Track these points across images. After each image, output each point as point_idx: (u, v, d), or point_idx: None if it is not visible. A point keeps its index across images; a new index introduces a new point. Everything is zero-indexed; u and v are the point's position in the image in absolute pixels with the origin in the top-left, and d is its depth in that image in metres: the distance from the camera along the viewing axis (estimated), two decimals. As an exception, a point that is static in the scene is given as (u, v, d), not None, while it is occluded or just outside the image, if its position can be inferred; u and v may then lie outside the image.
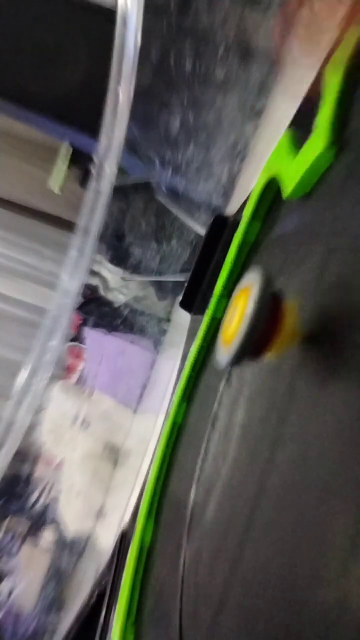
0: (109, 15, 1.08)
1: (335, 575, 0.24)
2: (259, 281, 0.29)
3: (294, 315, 0.31)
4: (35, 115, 1.28)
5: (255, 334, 0.29)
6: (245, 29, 1.05)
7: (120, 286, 1.61)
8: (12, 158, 2.05)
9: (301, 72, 0.92)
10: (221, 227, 0.57)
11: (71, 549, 1.66)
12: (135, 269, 1.54)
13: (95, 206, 1.12)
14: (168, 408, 0.59)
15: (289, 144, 0.41)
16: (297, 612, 0.26)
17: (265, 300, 0.29)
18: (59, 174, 1.78)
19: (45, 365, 1.31)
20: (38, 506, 1.70)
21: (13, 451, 1.29)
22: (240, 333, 0.29)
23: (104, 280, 1.60)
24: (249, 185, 0.51)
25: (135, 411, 1.67)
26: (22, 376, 1.34)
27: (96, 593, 0.61)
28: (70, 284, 1.23)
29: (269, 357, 0.31)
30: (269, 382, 0.38)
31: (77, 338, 1.71)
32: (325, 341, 0.31)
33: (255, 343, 0.29)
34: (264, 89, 1.08)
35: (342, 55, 0.36)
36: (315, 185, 0.38)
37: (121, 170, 1.20)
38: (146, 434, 1.35)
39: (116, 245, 1.52)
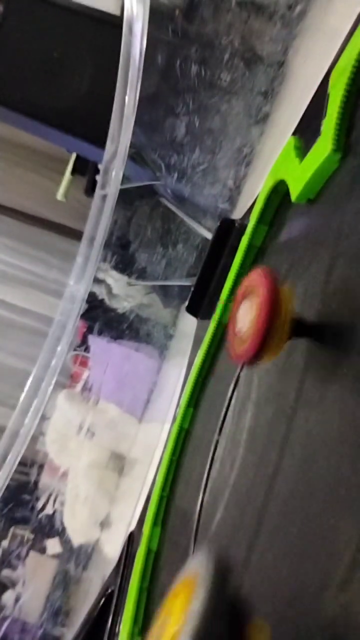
0: (114, 24, 1.09)
1: (340, 581, 0.23)
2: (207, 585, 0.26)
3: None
4: (41, 126, 1.29)
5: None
6: (250, 35, 1.06)
7: (125, 293, 1.61)
8: (18, 168, 2.07)
9: (306, 77, 0.92)
10: (228, 231, 0.57)
11: (77, 558, 1.65)
12: (141, 275, 1.54)
13: (101, 213, 1.13)
14: (174, 415, 0.59)
15: (295, 148, 0.41)
16: (304, 616, 0.26)
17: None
18: (64, 183, 1.79)
19: (50, 374, 1.31)
20: (43, 515, 1.70)
21: (18, 460, 1.29)
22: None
23: (108, 287, 1.61)
24: (255, 190, 0.51)
25: (140, 420, 1.67)
26: (28, 385, 1.34)
27: (102, 601, 0.60)
28: (76, 290, 1.23)
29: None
30: (277, 388, 0.38)
31: (82, 346, 1.71)
32: (332, 346, 0.31)
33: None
34: (269, 94, 1.08)
35: (348, 61, 0.36)
36: (321, 189, 0.38)
37: (126, 178, 1.20)
38: (152, 443, 1.35)
39: (122, 252, 1.52)
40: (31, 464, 1.72)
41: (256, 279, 0.33)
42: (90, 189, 1.57)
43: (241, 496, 0.38)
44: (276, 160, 0.45)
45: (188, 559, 0.28)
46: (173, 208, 1.39)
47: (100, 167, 1.20)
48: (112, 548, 1.48)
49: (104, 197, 1.13)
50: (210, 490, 0.45)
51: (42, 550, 1.72)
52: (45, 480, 1.73)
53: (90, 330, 1.68)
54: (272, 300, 0.31)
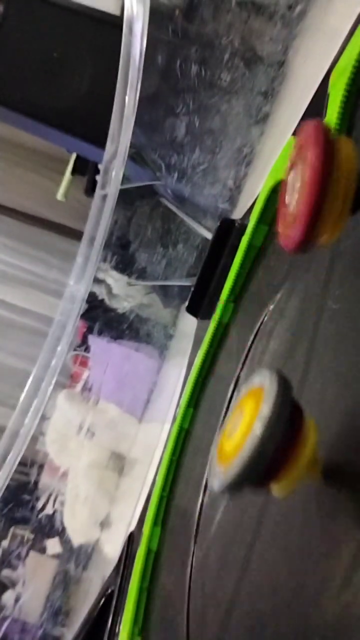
0: (114, 24, 1.09)
1: (339, 585, 0.23)
2: (275, 388, 0.22)
3: (315, 436, 0.23)
4: (41, 126, 1.29)
5: (264, 460, 0.22)
6: (250, 35, 1.06)
7: (125, 293, 1.61)
8: (18, 168, 2.07)
9: (306, 77, 0.92)
10: (228, 231, 0.57)
11: (77, 558, 1.65)
12: (141, 275, 1.54)
13: (101, 213, 1.13)
14: (174, 416, 0.59)
15: (295, 148, 0.41)
16: (303, 619, 0.26)
17: (281, 418, 0.21)
18: (64, 183, 1.79)
19: (50, 374, 1.31)
20: (43, 515, 1.70)
21: (18, 460, 1.29)
22: (244, 454, 0.22)
23: (108, 287, 1.61)
24: (256, 190, 0.51)
25: (140, 420, 1.67)
26: (28, 385, 1.34)
27: (102, 601, 0.60)
28: (76, 290, 1.23)
29: (277, 490, 0.24)
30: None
31: (82, 346, 1.71)
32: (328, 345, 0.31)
33: (262, 470, 0.22)
34: (269, 94, 1.08)
35: (348, 61, 0.36)
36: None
37: (126, 178, 1.20)
38: (152, 443, 1.35)
39: (122, 252, 1.52)
40: (31, 464, 1.72)
41: (308, 135, 0.25)
42: (90, 189, 1.58)
43: (242, 495, 0.38)
44: (276, 160, 0.45)
45: (253, 375, 0.25)
46: (173, 208, 1.39)
47: (100, 167, 1.20)
48: (112, 548, 1.48)
49: (104, 197, 1.13)
50: (210, 490, 0.45)
51: (42, 550, 1.72)
52: (45, 480, 1.73)
53: (90, 330, 1.68)
54: (323, 163, 0.24)
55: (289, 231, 0.26)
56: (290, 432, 0.22)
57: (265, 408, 0.22)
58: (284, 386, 0.23)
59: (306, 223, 0.24)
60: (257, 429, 0.22)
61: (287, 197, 0.27)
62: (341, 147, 0.25)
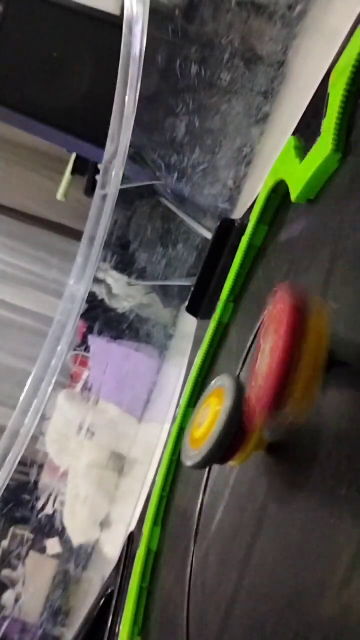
0: (114, 24, 1.09)
1: (339, 585, 0.23)
2: (232, 392, 0.30)
3: (262, 421, 0.30)
4: (42, 126, 1.29)
5: (225, 445, 0.29)
6: (250, 35, 1.06)
7: (125, 293, 1.61)
8: (18, 168, 2.07)
9: (306, 77, 0.92)
10: (228, 231, 0.57)
11: (77, 558, 1.65)
12: (141, 275, 1.54)
13: (101, 213, 1.13)
14: (174, 416, 0.59)
15: (295, 149, 0.41)
16: (303, 619, 0.26)
17: (237, 415, 0.29)
18: (64, 183, 1.79)
19: (50, 374, 1.31)
20: (43, 515, 1.70)
21: (18, 460, 1.29)
22: (211, 441, 0.29)
23: (108, 287, 1.61)
24: (256, 190, 0.51)
25: (140, 420, 1.67)
26: (28, 385, 1.34)
27: (102, 601, 0.60)
28: (76, 290, 1.23)
29: (233, 463, 0.31)
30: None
31: (82, 346, 1.71)
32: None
33: (224, 452, 0.30)
34: (269, 94, 1.08)
35: (348, 61, 0.36)
36: (322, 190, 0.38)
37: (126, 178, 1.20)
38: (152, 443, 1.35)
39: (122, 252, 1.52)
40: (31, 464, 1.72)
41: (280, 304, 0.27)
42: (90, 189, 1.58)
43: (241, 496, 0.38)
44: (276, 161, 0.45)
45: (215, 379, 0.32)
46: (173, 208, 1.39)
47: (100, 167, 1.20)
48: (112, 548, 1.48)
49: (104, 197, 1.13)
50: (210, 491, 0.45)
51: (42, 550, 1.72)
52: (45, 480, 1.73)
53: (90, 330, 1.68)
54: (294, 334, 0.25)
55: (259, 393, 0.27)
56: (242, 428, 0.29)
57: (228, 402, 0.29)
58: (240, 386, 0.29)
59: (273, 395, 0.26)
60: (221, 422, 0.29)
61: (259, 358, 0.28)
62: (313, 325, 0.26)
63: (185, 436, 0.33)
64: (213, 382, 0.32)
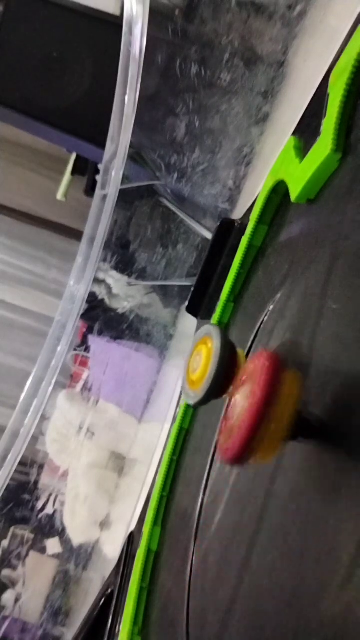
0: (114, 24, 1.09)
1: (340, 584, 0.23)
2: (218, 334, 0.34)
3: (244, 360, 0.33)
4: (41, 126, 1.29)
5: (220, 381, 0.32)
6: (250, 35, 1.06)
7: (125, 293, 1.61)
8: (18, 168, 2.07)
9: (306, 77, 0.92)
10: (228, 231, 0.57)
11: (77, 558, 1.65)
12: (141, 275, 1.54)
13: (101, 213, 1.13)
14: (174, 416, 0.59)
15: (295, 149, 0.41)
16: (304, 619, 0.26)
17: (227, 356, 0.33)
18: (64, 182, 1.79)
19: (50, 374, 1.31)
20: (43, 515, 1.70)
21: (18, 460, 1.29)
22: (208, 380, 0.33)
23: (108, 287, 1.61)
24: (256, 190, 0.51)
25: (140, 420, 1.67)
26: (28, 385, 1.34)
27: (102, 601, 0.60)
28: (76, 290, 1.23)
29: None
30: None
31: (82, 346, 1.71)
32: (329, 344, 0.31)
33: (221, 384, 0.33)
34: (269, 94, 1.08)
35: (348, 61, 0.36)
36: (321, 190, 0.38)
37: (126, 178, 1.20)
38: (152, 443, 1.35)
39: (122, 252, 1.52)
40: (31, 464, 1.72)
41: (257, 365, 0.30)
42: (90, 189, 1.58)
43: (242, 496, 0.38)
44: (276, 161, 0.45)
45: (198, 332, 0.36)
46: (173, 208, 1.39)
47: (100, 167, 1.20)
48: (112, 548, 1.48)
49: (104, 197, 1.13)
50: (210, 490, 0.45)
51: (42, 550, 1.72)
52: (45, 480, 1.73)
53: (90, 330, 1.68)
54: (269, 395, 0.27)
55: (227, 443, 0.29)
56: (231, 360, 0.33)
57: (217, 342, 0.33)
58: (222, 331, 0.34)
59: (241, 447, 0.28)
60: (214, 362, 0.33)
61: (230, 410, 0.31)
62: (286, 389, 0.28)
63: (183, 382, 0.36)
64: (196, 335, 0.36)
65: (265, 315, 0.43)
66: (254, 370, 0.30)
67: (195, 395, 0.35)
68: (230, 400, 0.32)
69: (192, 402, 0.35)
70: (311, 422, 0.29)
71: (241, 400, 0.30)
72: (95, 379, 1.72)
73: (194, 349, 0.36)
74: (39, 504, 1.69)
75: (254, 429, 0.27)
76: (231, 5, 1.07)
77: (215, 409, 0.49)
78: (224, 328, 0.53)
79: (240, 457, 0.28)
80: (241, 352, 0.34)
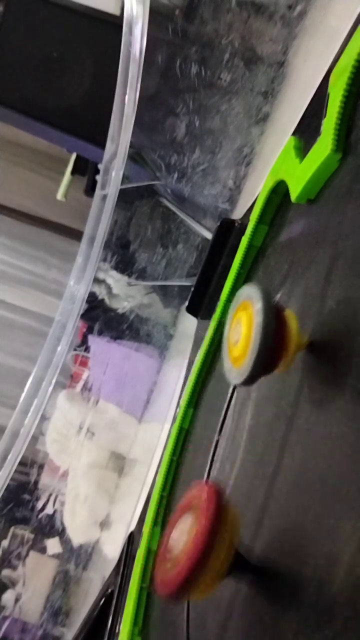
0: (114, 25, 1.09)
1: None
2: (260, 296, 0.29)
3: (296, 325, 0.30)
4: (41, 126, 1.29)
5: (267, 351, 0.28)
6: (250, 35, 1.06)
7: (125, 293, 1.61)
8: (18, 168, 2.07)
9: (306, 77, 0.92)
10: (228, 231, 0.57)
11: (77, 558, 1.65)
12: (141, 275, 1.54)
13: (101, 213, 1.13)
14: (174, 416, 0.59)
15: (295, 149, 0.41)
16: (303, 620, 0.26)
17: (271, 316, 0.28)
18: (64, 182, 1.79)
19: (50, 374, 1.31)
20: (43, 515, 1.70)
21: (18, 460, 1.29)
22: (252, 352, 0.28)
23: (108, 287, 1.61)
24: (256, 190, 0.51)
25: (140, 420, 1.67)
26: (28, 385, 1.34)
27: (102, 601, 0.60)
28: (76, 290, 1.23)
29: (279, 370, 0.30)
30: (277, 388, 0.38)
31: (82, 346, 1.71)
32: (330, 347, 0.31)
33: (267, 360, 0.29)
34: (269, 94, 1.08)
35: (348, 61, 0.36)
36: (322, 190, 0.38)
37: (126, 178, 1.20)
38: (152, 443, 1.35)
39: (122, 252, 1.52)
40: (31, 464, 1.72)
41: (200, 497, 0.29)
42: (90, 189, 1.58)
43: (241, 496, 0.38)
44: (276, 161, 0.45)
45: (239, 293, 0.32)
46: (173, 208, 1.39)
47: (100, 167, 1.20)
48: (112, 548, 1.48)
49: (104, 197, 1.13)
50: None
51: (42, 550, 1.72)
52: (45, 480, 1.73)
53: (90, 330, 1.68)
54: (213, 528, 0.27)
55: (166, 576, 0.28)
56: (280, 325, 0.29)
57: (259, 311, 0.28)
58: (267, 294, 0.29)
59: (185, 578, 0.27)
60: (257, 327, 0.28)
61: (171, 535, 0.29)
62: (228, 522, 0.27)
63: (224, 359, 0.32)
64: (237, 295, 0.32)
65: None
66: (197, 501, 0.28)
67: (240, 372, 0.30)
68: (169, 532, 0.30)
69: (236, 381, 0.30)
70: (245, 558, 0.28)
71: (184, 530, 0.28)
72: (95, 379, 1.72)
73: (233, 317, 0.32)
74: (39, 504, 1.69)
75: (200, 559, 0.26)
76: (231, 5, 1.07)
77: (215, 408, 0.49)
78: (223, 327, 0.53)
79: (183, 589, 0.27)
80: (290, 314, 0.30)
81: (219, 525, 0.27)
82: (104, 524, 1.60)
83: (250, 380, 0.29)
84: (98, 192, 1.17)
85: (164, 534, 0.31)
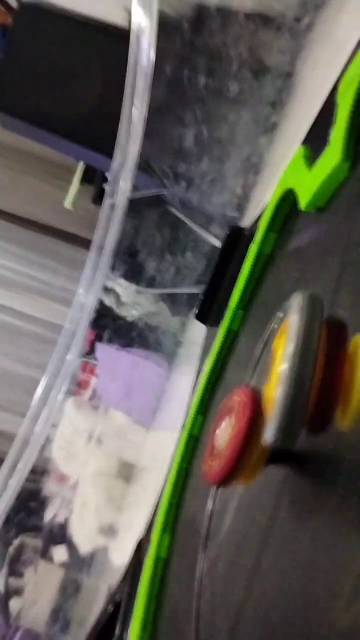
0: (122, 36, 1.10)
1: (349, 595, 0.23)
2: (302, 305, 0.21)
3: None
4: (50, 136, 1.30)
5: (304, 393, 0.20)
6: (258, 47, 1.06)
7: (133, 301, 1.62)
8: (27, 177, 2.08)
9: (315, 88, 0.93)
10: (237, 239, 0.57)
11: (84, 566, 1.64)
12: (150, 283, 1.54)
13: (110, 222, 1.14)
14: (184, 424, 0.59)
15: (304, 158, 0.41)
16: (313, 628, 0.26)
17: (309, 350, 0.19)
18: (73, 192, 1.80)
19: (60, 382, 1.32)
20: (51, 523, 1.69)
21: (29, 468, 1.29)
22: (284, 395, 0.20)
23: (117, 295, 1.61)
24: (265, 198, 0.52)
25: (149, 428, 1.66)
26: (38, 393, 1.35)
27: (111, 607, 0.60)
28: (85, 299, 1.24)
29: (340, 426, 0.23)
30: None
31: (90, 354, 1.71)
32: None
33: (303, 409, 0.21)
34: (278, 104, 1.09)
35: (356, 71, 0.36)
36: (331, 198, 0.39)
37: (135, 187, 1.21)
38: (161, 451, 1.34)
39: (130, 260, 1.53)
40: (40, 472, 1.72)
41: (241, 399, 0.30)
42: (98, 198, 1.58)
43: (251, 503, 0.38)
44: (285, 170, 0.46)
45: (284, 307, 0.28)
46: (182, 217, 1.40)
47: (109, 175, 1.21)
48: (120, 556, 1.47)
49: (113, 206, 1.14)
50: (219, 498, 0.45)
51: (50, 559, 1.72)
52: (53, 488, 1.73)
53: (99, 338, 1.69)
54: (250, 426, 0.29)
55: (213, 464, 0.31)
56: (336, 355, 0.20)
57: (290, 346, 0.20)
58: (311, 312, 0.20)
59: (228, 469, 0.30)
60: (289, 357, 0.20)
61: (218, 433, 0.32)
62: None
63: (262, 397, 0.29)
64: (283, 310, 0.26)
65: (275, 323, 0.43)
66: (238, 403, 0.31)
67: (270, 425, 0.23)
68: (213, 433, 0.33)
69: (270, 437, 0.23)
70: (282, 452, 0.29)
71: (227, 430, 0.31)
72: (104, 387, 1.72)
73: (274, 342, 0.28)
74: (47, 512, 1.69)
75: (239, 454, 0.29)
76: (239, 18, 1.08)
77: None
78: (233, 338, 0.53)
79: (226, 479, 0.30)
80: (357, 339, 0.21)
81: (257, 422, 0.28)
82: (112, 532, 1.60)
83: (285, 435, 0.22)
84: (107, 201, 1.18)
85: (209, 437, 0.33)
